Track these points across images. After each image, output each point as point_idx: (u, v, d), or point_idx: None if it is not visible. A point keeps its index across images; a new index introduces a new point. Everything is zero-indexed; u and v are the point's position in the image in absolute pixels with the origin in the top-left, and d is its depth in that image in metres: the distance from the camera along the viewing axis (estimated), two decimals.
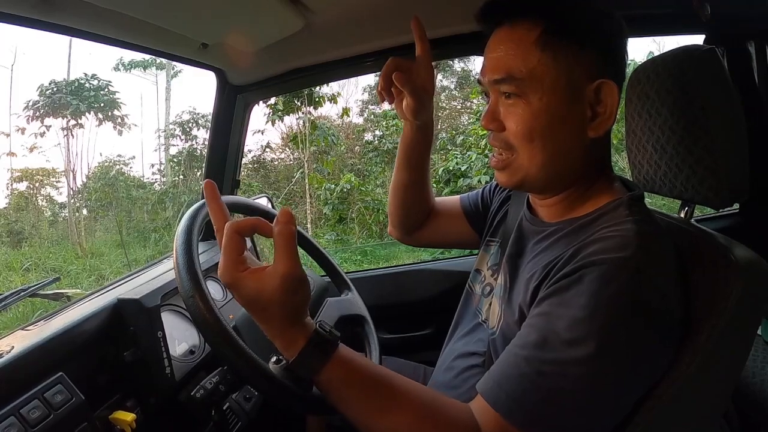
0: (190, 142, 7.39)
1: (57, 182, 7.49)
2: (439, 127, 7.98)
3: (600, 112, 0.58)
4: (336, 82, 6.30)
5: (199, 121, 7.32)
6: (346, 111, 6.81)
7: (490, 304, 0.72)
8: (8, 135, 7.19)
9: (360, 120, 8.22)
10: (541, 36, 0.57)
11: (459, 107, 8.35)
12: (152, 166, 7.92)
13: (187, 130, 7.42)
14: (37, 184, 7.40)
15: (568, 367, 0.49)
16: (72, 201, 7.13)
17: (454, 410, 0.53)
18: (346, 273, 0.96)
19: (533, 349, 0.51)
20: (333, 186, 5.64)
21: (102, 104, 7.16)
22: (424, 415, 0.52)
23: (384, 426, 0.52)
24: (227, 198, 0.80)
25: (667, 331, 0.52)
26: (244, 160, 1.38)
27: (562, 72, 0.57)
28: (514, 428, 0.49)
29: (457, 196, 0.94)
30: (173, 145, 7.68)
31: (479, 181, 4.85)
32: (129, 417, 0.73)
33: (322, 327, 0.53)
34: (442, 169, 5.44)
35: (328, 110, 6.50)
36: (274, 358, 0.55)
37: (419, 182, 0.86)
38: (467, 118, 7.41)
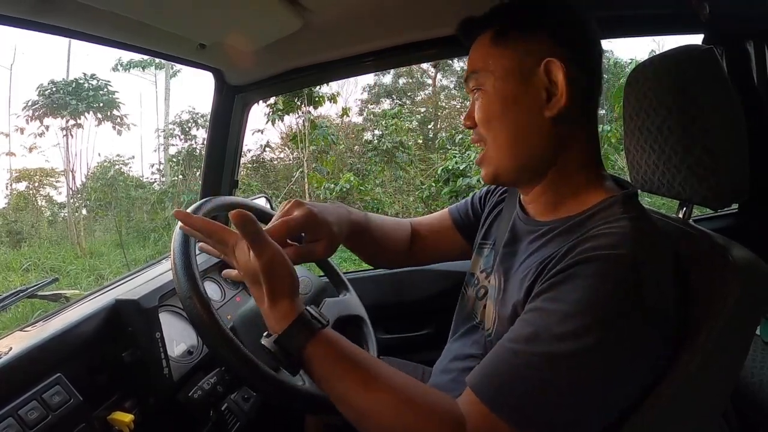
0: (189, 142, 7.40)
1: (56, 182, 7.49)
2: (438, 126, 7.99)
3: (553, 93, 0.60)
4: (335, 82, 6.31)
5: (199, 121, 7.32)
6: (345, 111, 6.81)
7: (485, 306, 0.72)
8: (7, 135, 7.20)
9: (359, 119, 8.24)
10: (493, 36, 0.63)
11: (458, 107, 8.36)
12: (151, 165, 7.93)
13: (187, 129, 7.42)
14: (36, 184, 7.40)
15: (557, 360, 0.49)
16: (71, 201, 7.13)
17: (438, 398, 0.54)
18: (344, 273, 0.95)
19: (524, 342, 0.51)
20: (332, 185, 5.64)
21: (101, 104, 7.16)
22: (406, 398, 0.53)
23: (363, 403, 0.53)
24: (225, 198, 0.80)
25: (661, 329, 0.51)
26: (243, 160, 1.39)
27: (513, 60, 0.62)
28: (501, 421, 0.49)
29: (446, 210, 0.93)
30: (172, 145, 7.69)
31: (478, 180, 4.85)
32: (127, 418, 0.73)
33: (311, 310, 0.58)
34: (441, 168, 5.44)
35: (327, 110, 6.51)
36: (265, 333, 0.58)
37: (379, 248, 0.86)
38: None
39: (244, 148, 1.36)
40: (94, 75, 7.14)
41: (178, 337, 0.90)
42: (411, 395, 0.53)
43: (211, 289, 1.06)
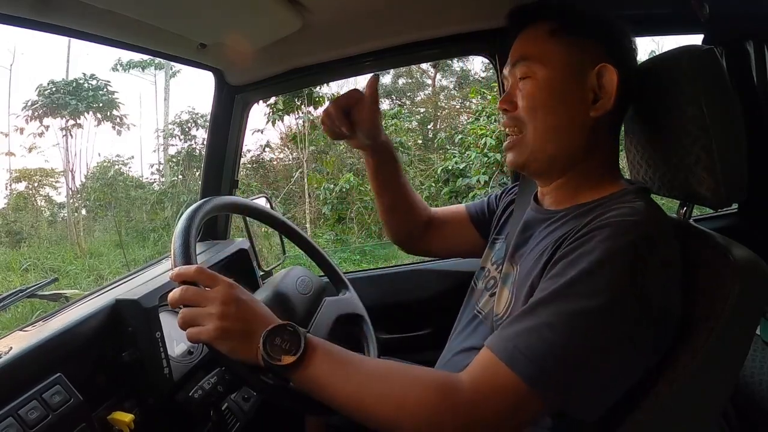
0: (188, 142, 7.39)
1: (56, 182, 7.49)
2: (437, 126, 7.99)
3: (601, 96, 0.63)
4: (335, 82, 6.30)
5: (198, 121, 7.31)
6: None
7: (492, 295, 0.73)
8: (7, 135, 7.19)
9: None
10: (553, 30, 0.65)
11: (458, 107, 8.35)
12: (151, 166, 7.93)
13: (186, 129, 7.41)
14: (35, 184, 7.40)
15: (577, 318, 0.50)
16: (71, 201, 7.13)
17: (422, 371, 0.57)
18: (344, 273, 0.95)
19: (543, 304, 0.53)
20: (332, 186, 5.63)
21: (101, 104, 7.16)
22: (387, 375, 0.56)
23: (352, 391, 0.55)
24: (225, 198, 0.80)
25: (667, 306, 0.53)
26: (242, 160, 1.38)
27: (568, 56, 0.64)
28: (519, 380, 0.50)
29: (462, 205, 0.96)
30: (172, 145, 7.68)
31: (478, 180, 4.84)
32: (127, 417, 0.73)
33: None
34: (440, 168, 5.43)
35: None
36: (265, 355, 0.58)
37: (400, 202, 0.90)
38: (466, 117, 7.41)
39: (244, 148, 1.36)
40: (94, 75, 7.14)
41: (178, 337, 0.90)
42: (392, 372, 0.56)
43: None
